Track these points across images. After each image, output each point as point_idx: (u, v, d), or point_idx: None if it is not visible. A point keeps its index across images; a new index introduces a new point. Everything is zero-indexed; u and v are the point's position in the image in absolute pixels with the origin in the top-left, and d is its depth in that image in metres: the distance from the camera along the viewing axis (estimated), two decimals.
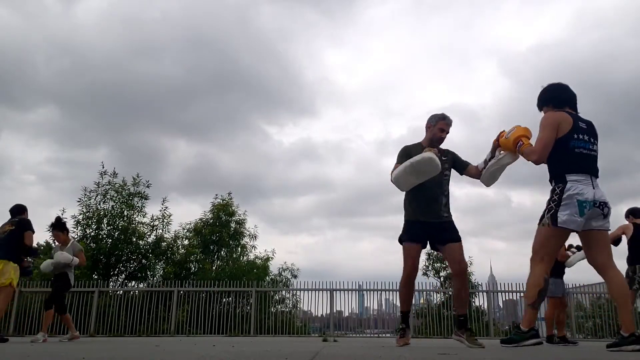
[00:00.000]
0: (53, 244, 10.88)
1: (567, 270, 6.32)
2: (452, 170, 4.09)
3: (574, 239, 3.53)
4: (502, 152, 3.70)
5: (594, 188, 3.02)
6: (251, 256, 16.80)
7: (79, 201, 14.44)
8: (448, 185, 4.02)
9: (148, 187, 15.17)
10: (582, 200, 2.95)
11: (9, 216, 5.96)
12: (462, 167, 4.05)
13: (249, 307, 11.72)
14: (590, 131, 3.19)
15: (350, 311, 12.61)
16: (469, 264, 10.11)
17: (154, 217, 14.93)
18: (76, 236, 13.48)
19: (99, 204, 14.52)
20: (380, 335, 11.95)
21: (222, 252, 16.55)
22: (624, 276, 3.80)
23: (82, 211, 14.28)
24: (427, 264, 19.31)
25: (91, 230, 14.13)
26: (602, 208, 3.01)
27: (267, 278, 15.95)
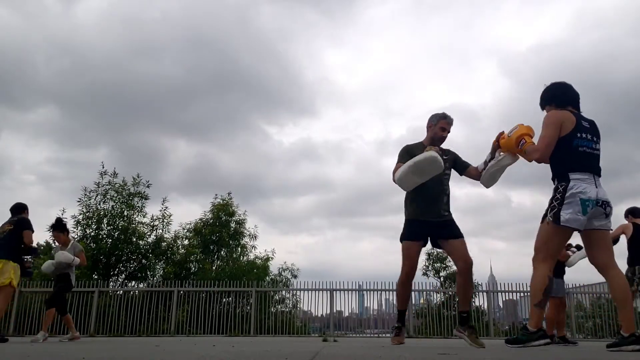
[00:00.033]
0: (53, 245, 10.90)
1: (567, 270, 6.32)
2: (452, 170, 4.09)
3: (573, 239, 3.54)
4: (502, 153, 3.70)
5: (596, 187, 3.01)
6: (251, 256, 16.83)
7: (79, 201, 14.46)
8: (448, 183, 4.03)
9: (148, 187, 15.19)
10: (585, 199, 2.95)
11: (9, 215, 5.96)
12: (463, 168, 4.05)
13: (249, 307, 11.72)
14: (593, 130, 3.18)
15: (350, 311, 12.63)
16: None
17: (154, 217, 14.95)
18: (76, 236, 13.48)
19: (99, 204, 14.54)
20: (380, 335, 11.94)
21: (222, 252, 16.56)
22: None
23: (82, 211, 14.30)
24: (427, 263, 19.34)
25: (91, 230, 14.13)
26: (604, 207, 3.01)
27: (267, 278, 15.96)
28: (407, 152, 3.88)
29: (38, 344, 5.10)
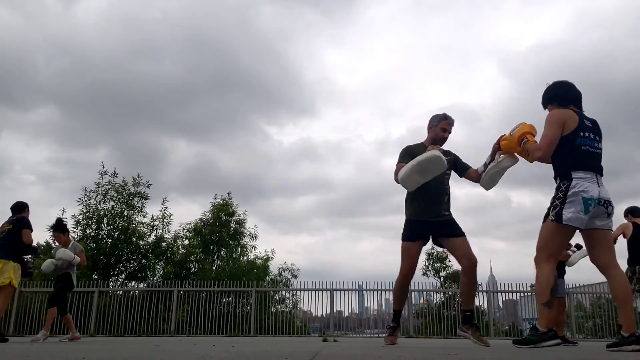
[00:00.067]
0: (53, 245, 10.90)
1: (567, 270, 6.32)
2: (452, 172, 4.09)
3: (574, 238, 3.52)
4: (502, 155, 3.71)
5: (599, 186, 3.01)
6: (251, 256, 16.84)
7: (79, 201, 14.47)
8: (449, 184, 4.03)
9: (148, 187, 15.19)
10: (587, 198, 2.94)
11: (9, 215, 5.93)
12: (463, 170, 4.05)
13: (249, 307, 11.72)
14: (595, 129, 3.18)
15: (350, 311, 12.64)
16: None
17: (154, 217, 14.95)
18: (76, 236, 13.48)
19: (99, 204, 14.55)
20: (380, 335, 11.94)
21: (222, 252, 16.57)
22: None
23: (82, 211, 14.31)
24: (427, 263, 19.38)
25: (91, 230, 14.14)
26: (606, 206, 3.00)
27: (267, 278, 15.96)
28: (408, 153, 3.88)
29: (38, 343, 5.10)
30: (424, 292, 12.90)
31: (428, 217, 3.88)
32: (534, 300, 11.80)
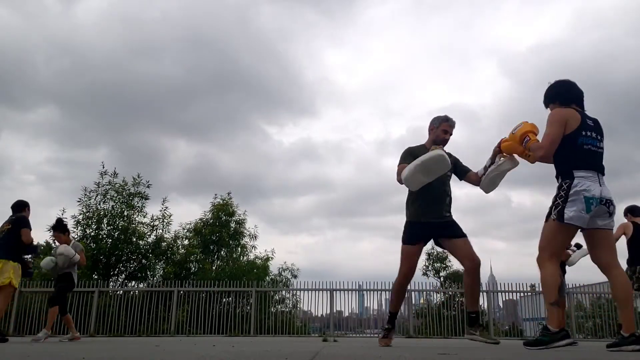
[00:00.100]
0: (53, 245, 10.89)
1: (567, 269, 6.32)
2: (452, 175, 4.09)
3: (574, 238, 3.52)
4: (502, 158, 3.72)
5: (600, 185, 3.00)
6: (251, 256, 16.84)
7: (79, 201, 14.47)
8: (450, 185, 4.03)
9: (148, 187, 15.20)
10: (589, 197, 2.94)
11: (9, 214, 5.92)
12: (463, 173, 4.05)
13: (249, 307, 11.72)
14: (597, 128, 3.18)
15: (350, 311, 12.64)
16: None
17: (154, 217, 14.96)
18: (76, 236, 13.49)
19: (99, 204, 14.55)
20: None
21: (222, 252, 16.58)
22: None
23: (82, 211, 14.32)
24: (427, 263, 19.40)
25: (91, 230, 14.15)
26: (608, 206, 2.99)
27: (267, 278, 15.97)
28: (410, 154, 3.86)
29: (39, 343, 5.10)
30: (424, 292, 12.89)
31: (429, 218, 3.87)
32: (534, 300, 11.86)
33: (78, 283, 7.19)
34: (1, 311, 5.57)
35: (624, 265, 5.57)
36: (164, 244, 14.81)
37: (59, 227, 6.36)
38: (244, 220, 16.86)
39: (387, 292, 11.92)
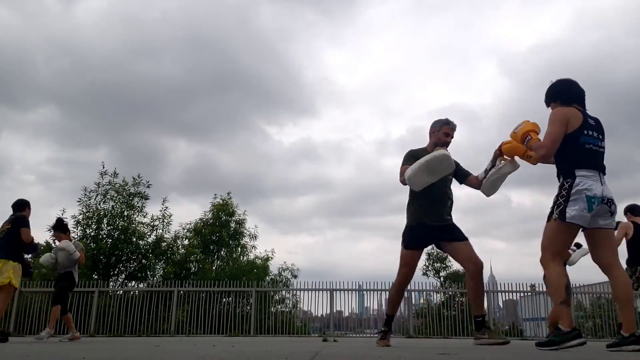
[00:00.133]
0: (53, 245, 10.90)
1: (567, 269, 6.31)
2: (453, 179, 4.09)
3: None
4: (502, 161, 3.72)
5: (602, 185, 3.00)
6: (251, 256, 16.84)
7: (79, 201, 14.48)
8: (451, 188, 4.03)
9: (148, 187, 15.21)
10: (590, 196, 2.93)
11: (10, 213, 5.90)
12: (463, 177, 4.04)
13: (249, 307, 11.72)
14: (598, 128, 3.17)
15: (350, 311, 12.64)
16: None
17: (154, 217, 14.96)
18: (76, 236, 13.49)
19: (99, 204, 14.56)
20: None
21: (222, 252, 16.58)
22: None
23: (82, 211, 14.33)
24: (427, 263, 19.40)
25: (91, 230, 14.15)
26: (609, 205, 2.99)
27: (267, 278, 15.97)
28: (413, 156, 3.85)
29: (39, 343, 5.10)
30: (424, 292, 12.89)
31: (430, 221, 3.85)
32: (534, 300, 11.85)
33: (78, 283, 7.21)
34: (1, 311, 5.56)
35: (623, 265, 5.56)
36: (164, 244, 14.81)
37: (60, 227, 6.36)
38: (244, 220, 16.89)
39: (387, 292, 11.91)
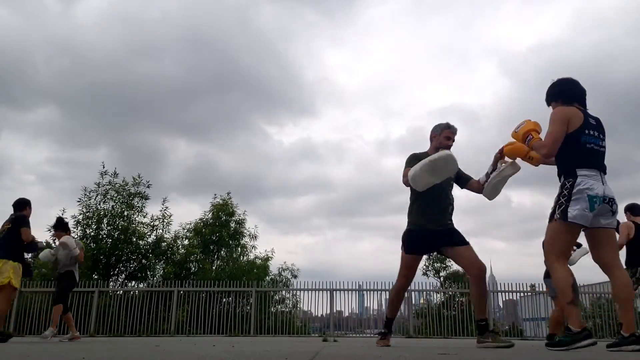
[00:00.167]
0: (53, 244, 10.90)
1: None
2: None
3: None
4: (503, 164, 3.72)
5: (603, 184, 3.00)
6: (251, 256, 16.84)
7: (79, 201, 14.49)
8: (452, 193, 4.03)
9: (148, 187, 15.22)
10: (592, 195, 2.93)
11: (11, 212, 5.89)
12: (465, 181, 4.04)
13: (249, 307, 11.73)
14: (599, 127, 3.17)
15: (350, 311, 12.65)
16: None
17: (154, 217, 14.97)
18: (76, 236, 13.49)
19: (99, 204, 14.56)
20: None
21: (222, 252, 16.58)
22: None
23: (82, 211, 14.33)
24: (427, 263, 19.41)
25: (91, 230, 14.16)
26: (611, 204, 2.99)
27: (267, 278, 15.97)
28: (416, 159, 3.83)
29: (38, 343, 5.10)
30: (424, 292, 12.90)
31: (432, 225, 3.84)
32: (534, 300, 11.85)
33: (78, 283, 7.21)
34: (3, 311, 5.54)
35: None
36: (164, 244, 14.81)
37: (60, 226, 6.36)
38: (243, 220, 16.89)
39: (387, 292, 11.93)
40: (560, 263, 3.04)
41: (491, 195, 3.90)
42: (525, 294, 11.97)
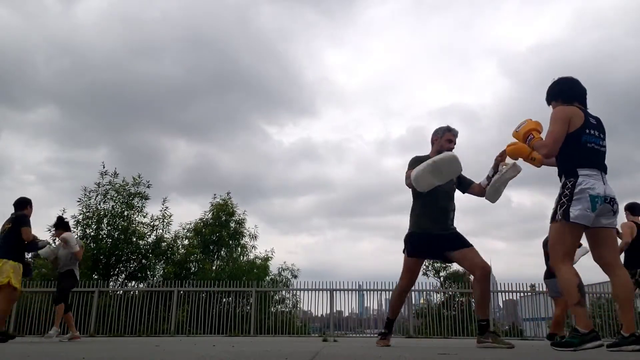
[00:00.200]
0: (54, 244, 10.90)
1: None
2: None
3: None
4: (504, 166, 3.72)
5: (604, 184, 2.99)
6: (251, 256, 16.83)
7: (79, 201, 14.48)
8: (454, 198, 4.03)
9: (148, 187, 15.21)
10: (594, 195, 2.92)
11: (11, 212, 5.88)
12: (466, 185, 4.04)
13: (249, 307, 11.73)
14: (600, 127, 3.17)
15: (350, 311, 12.64)
16: None
17: (154, 217, 14.96)
18: (76, 236, 13.48)
19: (99, 204, 14.56)
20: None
21: (222, 252, 16.57)
22: None
23: (82, 211, 14.33)
24: (427, 264, 19.38)
25: (91, 230, 14.16)
26: (612, 204, 2.99)
27: (267, 278, 15.96)
28: (418, 161, 3.82)
29: (38, 343, 5.10)
30: (424, 292, 12.91)
31: (435, 230, 3.83)
32: (534, 300, 11.85)
33: (79, 283, 7.22)
34: (3, 312, 5.52)
35: None
36: (164, 244, 14.81)
37: (61, 225, 6.37)
38: (243, 220, 16.87)
39: (387, 292, 11.93)
40: (566, 264, 3.02)
41: (493, 198, 3.90)
42: (525, 294, 11.97)
